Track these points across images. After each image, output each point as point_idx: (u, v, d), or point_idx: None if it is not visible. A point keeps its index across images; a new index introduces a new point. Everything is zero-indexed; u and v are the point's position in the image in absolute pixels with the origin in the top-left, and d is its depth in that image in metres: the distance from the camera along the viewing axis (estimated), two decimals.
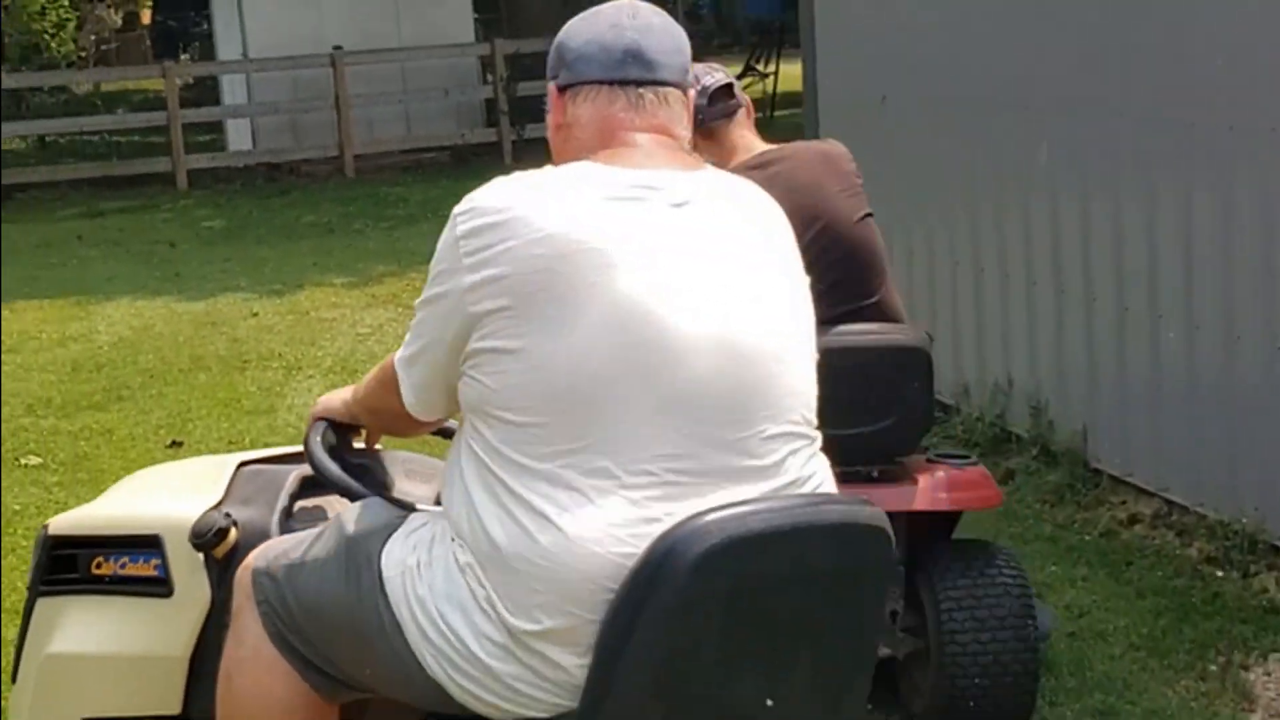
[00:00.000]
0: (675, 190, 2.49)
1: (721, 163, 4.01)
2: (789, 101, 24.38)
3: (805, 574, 2.39)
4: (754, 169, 4.17)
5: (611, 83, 2.59)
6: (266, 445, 8.19)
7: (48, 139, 22.14)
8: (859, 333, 4.27)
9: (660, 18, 2.64)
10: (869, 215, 4.44)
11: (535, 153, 20.27)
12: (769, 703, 2.39)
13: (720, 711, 2.39)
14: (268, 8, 19.95)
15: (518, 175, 2.54)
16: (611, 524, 2.31)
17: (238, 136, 20.43)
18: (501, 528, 2.35)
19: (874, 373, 4.28)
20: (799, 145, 4.63)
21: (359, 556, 2.57)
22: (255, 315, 11.61)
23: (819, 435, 2.54)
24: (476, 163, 19.97)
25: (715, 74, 4.52)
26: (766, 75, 23.50)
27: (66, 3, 25.88)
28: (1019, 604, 4.32)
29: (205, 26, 26.96)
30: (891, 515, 2.59)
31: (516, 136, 19.94)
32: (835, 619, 2.47)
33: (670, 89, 2.61)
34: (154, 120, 20.12)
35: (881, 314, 4.39)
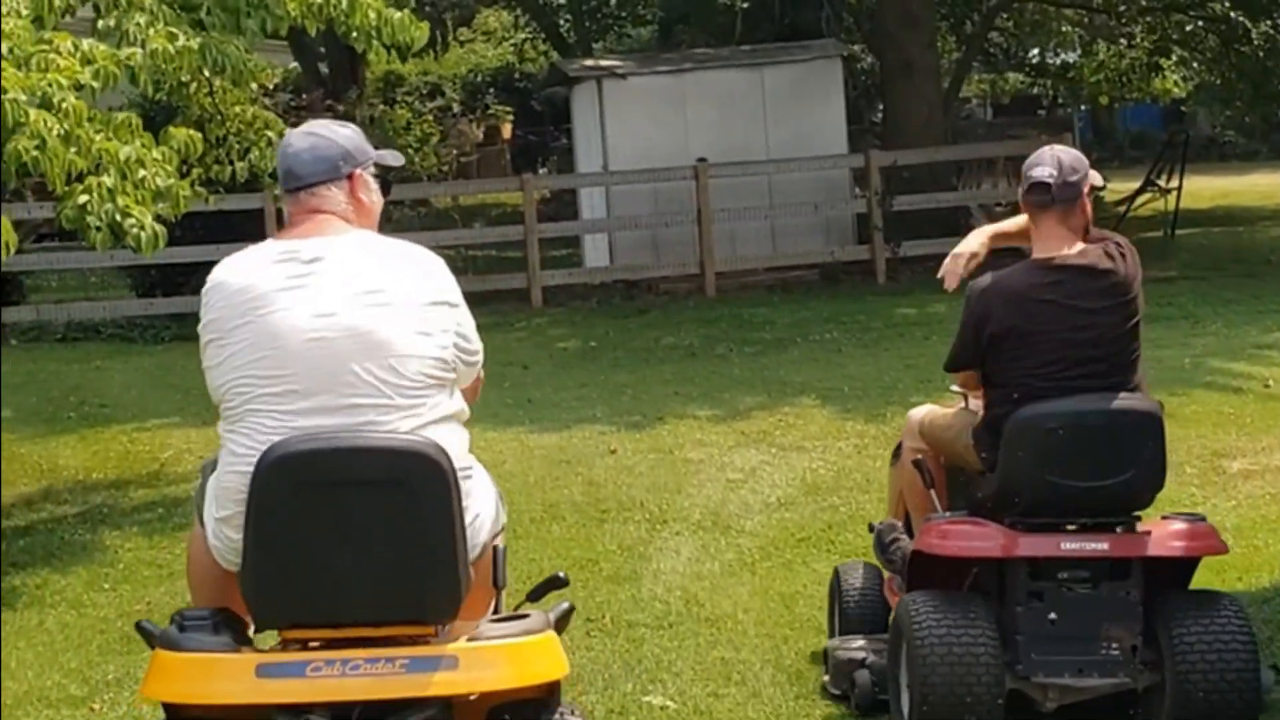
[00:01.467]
0: (311, 250, 3.95)
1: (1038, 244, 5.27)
2: (1191, 220, 22.41)
3: (357, 480, 3.77)
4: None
5: (287, 191, 4.11)
6: (628, 623, 6.93)
7: None
8: (1100, 399, 5.09)
9: (310, 139, 4.09)
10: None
11: (913, 272, 18.76)
12: (359, 574, 3.79)
13: (328, 576, 3.80)
14: (631, 119, 19.05)
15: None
16: (251, 448, 3.86)
17: (595, 253, 19.52)
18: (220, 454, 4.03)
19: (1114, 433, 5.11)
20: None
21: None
22: (613, 452, 10.38)
23: (416, 392, 3.88)
24: (848, 282, 18.56)
25: (1041, 168, 5.17)
26: (1168, 191, 21.52)
27: (431, 119, 25.71)
28: (1242, 651, 4.91)
29: (566, 141, 26.51)
30: (1130, 560, 5.03)
31: (891, 254, 18.47)
32: (394, 517, 3.78)
33: (318, 186, 4.05)
34: (510, 235, 19.42)
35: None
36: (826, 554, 8.02)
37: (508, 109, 32.11)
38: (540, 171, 26.86)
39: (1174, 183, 21.56)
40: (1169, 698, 4.96)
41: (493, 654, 3.83)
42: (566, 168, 25.69)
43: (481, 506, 4.03)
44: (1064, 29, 27.06)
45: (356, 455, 3.77)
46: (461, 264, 20.32)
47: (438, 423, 3.89)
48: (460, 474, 3.84)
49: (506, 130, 32.54)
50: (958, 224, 19.67)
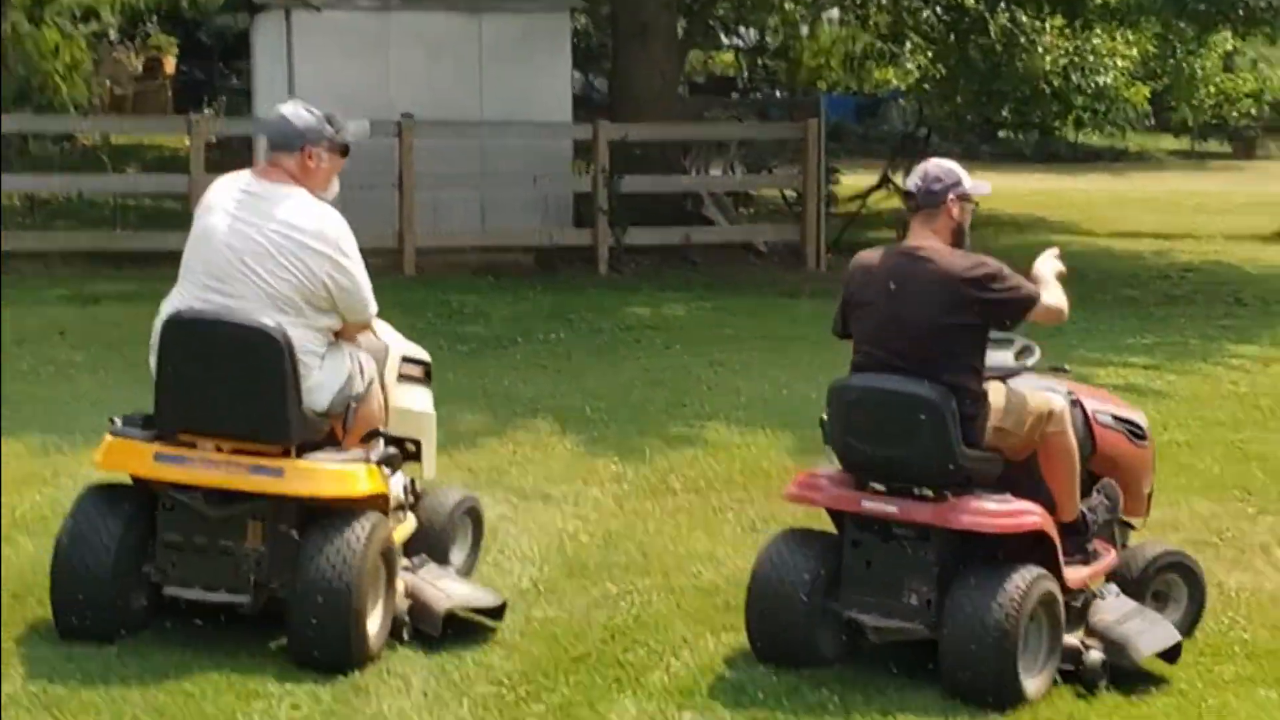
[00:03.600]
0: (258, 188, 5.68)
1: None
2: None
3: (223, 342, 5.54)
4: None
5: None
6: None
7: (42, 197, 18.38)
8: (888, 379, 5.79)
9: (281, 117, 5.79)
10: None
11: (637, 263, 16.57)
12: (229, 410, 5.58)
13: (200, 403, 5.58)
14: (325, 60, 16.24)
15: None
16: (169, 309, 5.69)
17: None
18: None
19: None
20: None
21: None
22: None
23: (283, 298, 5.58)
24: (566, 270, 16.23)
25: (912, 178, 5.96)
26: (902, 190, 19.91)
27: (83, 43, 22.24)
28: (1005, 624, 5.51)
29: (238, 80, 23.43)
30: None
31: (615, 242, 16.21)
32: (244, 370, 5.54)
33: (279, 152, 5.73)
34: (172, 185, 16.48)
35: None
36: (625, 693, 5.70)
37: (172, 39, 28.67)
38: (205, 113, 23.66)
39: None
40: (939, 653, 5.62)
41: (307, 470, 5.61)
42: (235, 112, 22.67)
43: (325, 380, 5.68)
44: (788, 6, 25.28)
45: (224, 325, 5.55)
46: (110, 215, 17.30)
47: (295, 321, 5.59)
48: (303, 353, 5.58)
49: (170, 65, 29.07)
50: (687, 211, 17.62)
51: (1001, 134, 33.60)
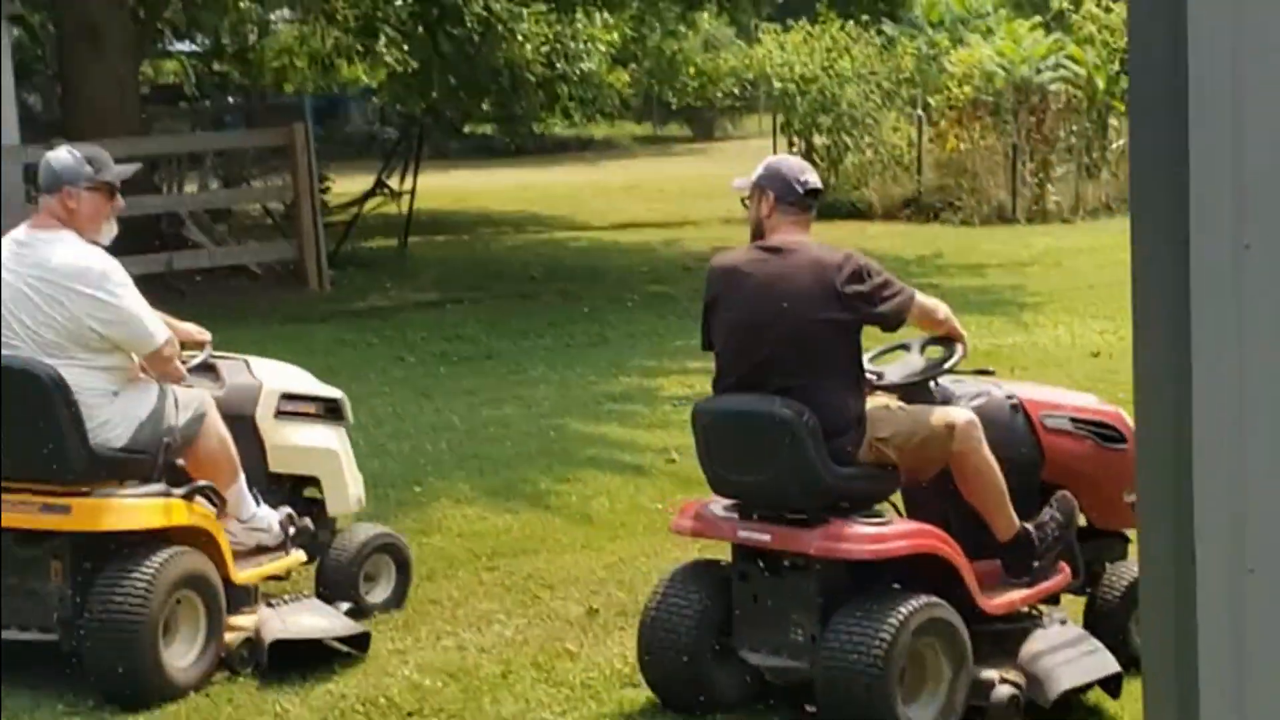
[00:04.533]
0: (24, 236, 5.75)
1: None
2: (425, 226, 19.52)
3: (11, 387, 5.61)
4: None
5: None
6: None
7: None
8: (743, 400, 5.31)
9: (45, 162, 5.77)
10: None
11: None
12: None
13: (8, 454, 5.64)
14: None
15: None
16: None
17: None
18: None
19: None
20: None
21: None
22: None
23: (58, 342, 5.60)
24: None
25: (810, 175, 5.43)
26: (400, 194, 18.47)
27: None
28: (878, 656, 4.97)
29: None
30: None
31: None
32: (30, 415, 5.57)
33: (43, 195, 5.77)
34: None
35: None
36: None
37: None
38: None
39: (407, 184, 18.59)
40: (815, 692, 5.14)
41: (97, 505, 5.60)
42: None
43: (115, 417, 5.66)
44: (243, 5, 23.38)
45: (5, 373, 5.52)
46: None
47: (71, 363, 5.58)
48: (89, 394, 5.60)
49: None
50: (166, 236, 15.63)
51: (467, 129, 32.82)
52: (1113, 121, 21.28)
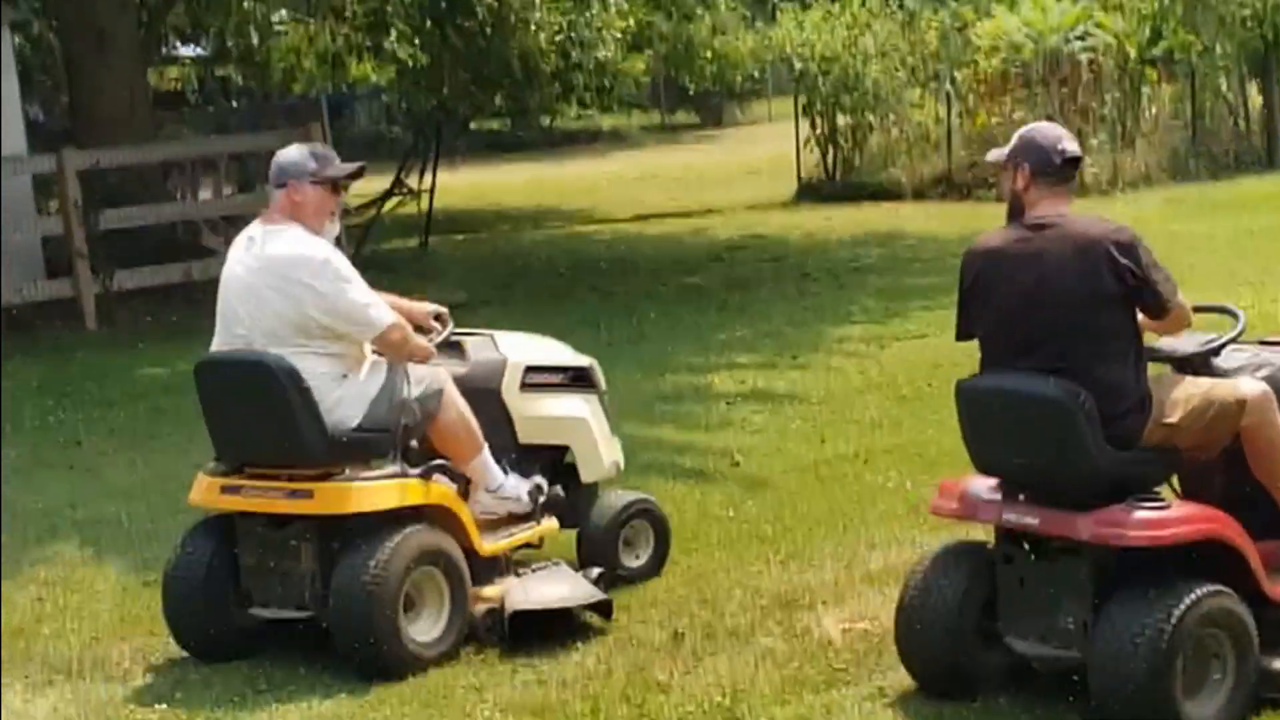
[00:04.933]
0: (254, 232, 5.86)
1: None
2: (442, 224, 19.01)
3: (242, 379, 5.88)
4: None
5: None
6: None
7: None
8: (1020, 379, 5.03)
9: (274, 158, 5.94)
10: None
11: (134, 311, 14.01)
12: None
13: (237, 436, 5.99)
14: None
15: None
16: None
17: None
18: None
19: None
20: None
21: None
22: None
23: (283, 332, 5.75)
24: (46, 330, 13.49)
25: (1070, 142, 5.10)
26: (418, 193, 17.97)
27: None
28: None
29: None
30: None
31: (102, 289, 13.59)
32: (265, 404, 5.79)
33: (274, 190, 5.86)
34: None
35: None
36: None
37: None
38: None
39: (426, 183, 18.07)
40: (1088, 683, 4.89)
41: (337, 489, 5.75)
42: None
43: (347, 398, 5.80)
44: (245, 5, 22.87)
45: (234, 364, 5.86)
46: None
47: (298, 352, 5.72)
48: (320, 379, 5.72)
49: None
50: (181, 245, 15.13)
51: (473, 124, 32.25)
52: (1145, 90, 20.70)
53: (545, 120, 30.84)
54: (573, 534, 6.51)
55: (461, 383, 6.09)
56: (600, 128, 35.10)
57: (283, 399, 5.65)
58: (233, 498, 5.87)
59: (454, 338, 6.35)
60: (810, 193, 21.29)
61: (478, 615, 5.88)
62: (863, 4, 21.58)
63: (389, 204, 18.01)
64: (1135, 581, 4.79)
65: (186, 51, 26.86)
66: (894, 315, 11.68)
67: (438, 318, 6.28)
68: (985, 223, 17.59)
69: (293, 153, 5.84)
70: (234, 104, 30.22)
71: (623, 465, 6.74)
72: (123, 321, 13.75)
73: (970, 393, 5.10)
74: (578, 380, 6.60)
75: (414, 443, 5.95)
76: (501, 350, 6.45)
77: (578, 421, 6.51)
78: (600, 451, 6.56)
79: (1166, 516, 4.78)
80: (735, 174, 25.76)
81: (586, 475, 6.55)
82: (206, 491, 5.95)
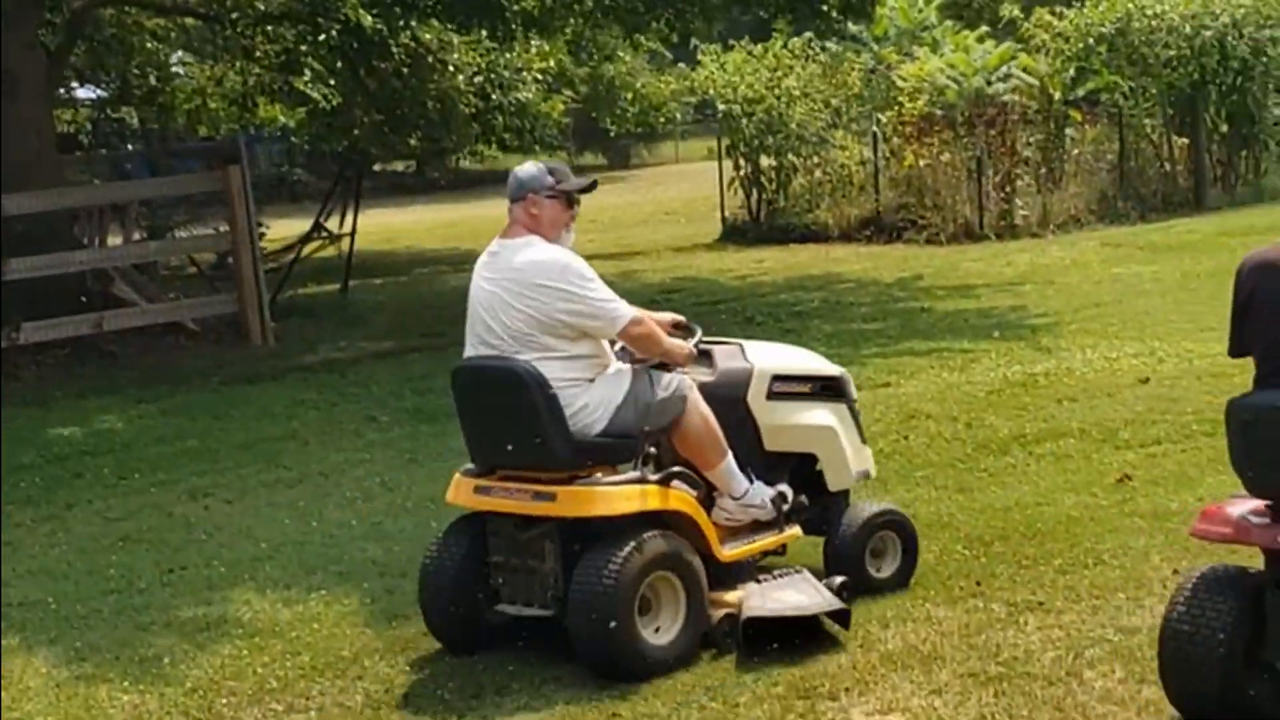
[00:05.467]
0: (497, 246, 6.04)
1: None
2: (358, 268, 18.34)
3: (493, 386, 6.01)
4: None
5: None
6: None
7: None
8: None
9: (513, 173, 6.16)
10: None
11: (43, 366, 13.24)
12: None
13: (489, 441, 6.15)
14: None
15: None
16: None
17: None
18: None
19: None
20: None
21: None
22: None
23: (528, 338, 5.90)
24: None
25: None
26: (339, 237, 17.32)
27: None
28: None
29: None
30: None
31: (8, 341, 12.83)
32: (514, 409, 5.94)
33: (512, 204, 6.05)
34: None
35: None
36: None
37: None
38: None
39: (346, 226, 17.43)
40: None
41: (578, 492, 5.86)
42: None
43: (592, 403, 5.93)
44: (149, 45, 22.11)
45: (485, 371, 6.01)
46: None
47: (546, 356, 5.88)
48: (565, 384, 5.87)
49: None
50: (93, 295, 14.39)
51: (378, 166, 31.55)
52: (1070, 131, 20.54)
53: (455, 161, 30.25)
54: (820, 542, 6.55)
55: (708, 390, 6.19)
56: (508, 169, 34.58)
57: (530, 404, 5.84)
58: (484, 498, 6.10)
59: (703, 346, 6.39)
60: (735, 235, 20.94)
61: (715, 620, 5.94)
62: (784, 45, 21.27)
63: (309, 248, 17.35)
64: None
65: (85, 94, 26.00)
66: (849, 362, 11.24)
67: (679, 326, 6.39)
68: (919, 265, 17.73)
69: (530, 168, 6.07)
70: (130, 147, 29.29)
71: (873, 474, 6.82)
72: (28, 376, 13.02)
73: (1241, 410, 4.83)
74: (826, 389, 6.64)
75: (653, 449, 6.06)
76: (749, 359, 6.50)
77: (824, 430, 6.56)
78: (848, 460, 6.60)
79: None
80: (652, 215, 25.34)
81: (834, 484, 6.60)
82: (462, 491, 6.20)
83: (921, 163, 19.76)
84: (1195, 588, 4.98)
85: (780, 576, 6.24)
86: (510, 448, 5.97)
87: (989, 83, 20.19)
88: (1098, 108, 20.71)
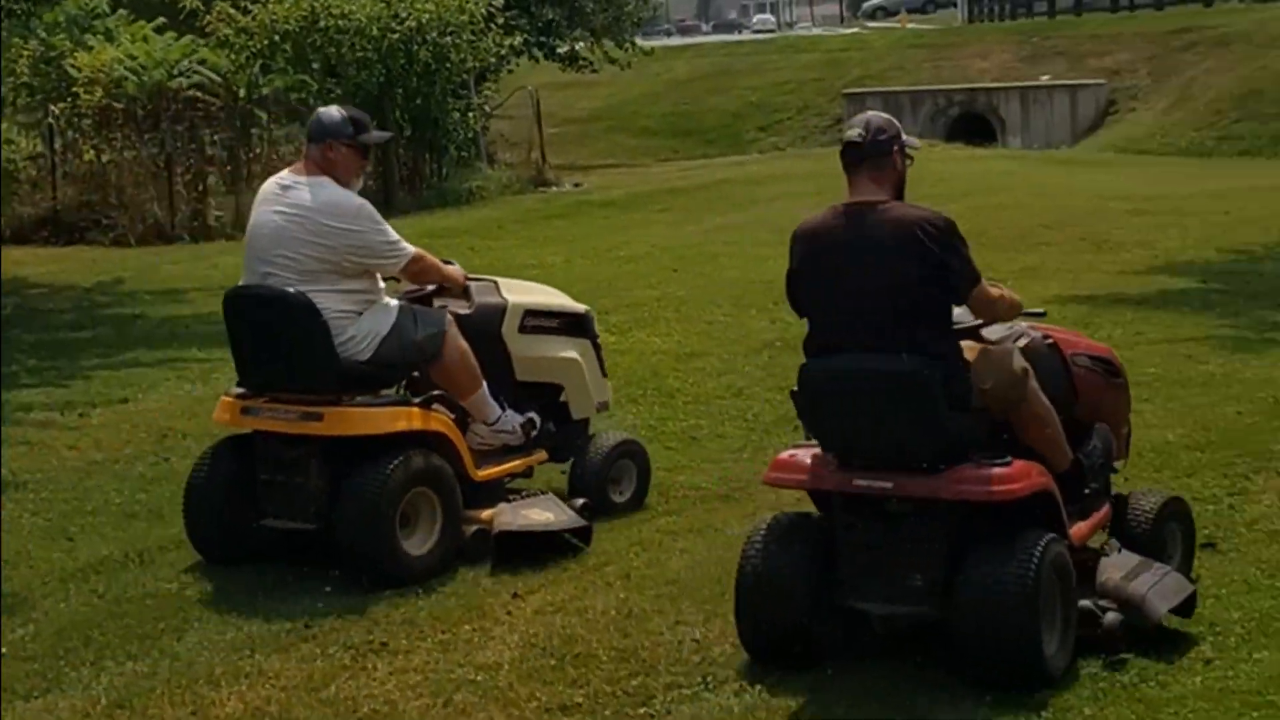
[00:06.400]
0: (289, 180, 6.40)
1: None
2: None
3: (266, 312, 6.34)
4: None
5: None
6: None
7: None
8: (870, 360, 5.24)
9: (317, 116, 6.58)
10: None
11: None
12: None
13: (259, 363, 6.49)
14: None
15: None
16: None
17: None
18: None
19: None
20: None
21: None
22: None
23: (309, 270, 6.24)
24: None
25: (852, 129, 5.31)
26: None
27: None
28: None
29: None
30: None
31: None
32: (285, 334, 6.32)
33: (309, 145, 6.47)
34: None
35: None
36: None
37: None
38: None
39: None
40: (955, 636, 5.18)
41: (344, 413, 6.25)
42: None
43: (359, 333, 6.30)
44: None
45: (264, 297, 6.28)
46: None
47: (318, 289, 6.22)
48: (337, 315, 6.22)
49: None
50: None
51: None
52: (255, 130, 19.92)
53: None
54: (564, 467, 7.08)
55: (465, 322, 6.66)
56: None
57: (304, 332, 6.19)
58: (252, 419, 6.42)
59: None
60: None
61: (468, 535, 6.37)
62: None
63: None
64: (987, 536, 5.03)
65: None
66: (74, 377, 10.09)
67: (448, 262, 6.84)
68: (115, 268, 16.41)
69: (334, 114, 6.46)
70: None
71: (610, 404, 7.47)
72: None
73: (817, 374, 5.17)
74: (572, 325, 7.22)
75: (416, 374, 6.54)
76: (504, 294, 7.00)
77: (570, 362, 7.14)
78: (590, 391, 7.20)
79: (1020, 470, 5.05)
80: None
81: (577, 412, 7.19)
82: (228, 412, 6.50)
83: (104, 159, 18.45)
84: (766, 536, 5.25)
85: (528, 497, 6.73)
86: (281, 371, 6.33)
87: (171, 76, 19.22)
88: (284, 106, 20.21)
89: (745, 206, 18.29)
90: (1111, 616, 5.19)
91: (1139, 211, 16.57)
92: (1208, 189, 18.76)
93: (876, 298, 5.04)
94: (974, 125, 33.07)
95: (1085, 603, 5.21)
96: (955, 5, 59.31)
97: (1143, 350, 9.68)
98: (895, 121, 5.34)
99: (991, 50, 36.85)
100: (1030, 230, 15.22)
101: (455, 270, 6.76)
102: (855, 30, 53.90)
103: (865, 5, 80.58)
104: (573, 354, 7.10)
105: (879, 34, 45.09)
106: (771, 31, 73.26)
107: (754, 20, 79.03)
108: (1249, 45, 31.34)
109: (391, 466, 6.10)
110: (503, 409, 6.73)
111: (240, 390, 6.48)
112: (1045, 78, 34.07)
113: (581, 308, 7.28)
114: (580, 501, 6.73)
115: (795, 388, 5.26)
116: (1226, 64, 30.85)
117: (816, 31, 60.82)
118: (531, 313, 7.01)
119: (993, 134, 33.09)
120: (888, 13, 70.82)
